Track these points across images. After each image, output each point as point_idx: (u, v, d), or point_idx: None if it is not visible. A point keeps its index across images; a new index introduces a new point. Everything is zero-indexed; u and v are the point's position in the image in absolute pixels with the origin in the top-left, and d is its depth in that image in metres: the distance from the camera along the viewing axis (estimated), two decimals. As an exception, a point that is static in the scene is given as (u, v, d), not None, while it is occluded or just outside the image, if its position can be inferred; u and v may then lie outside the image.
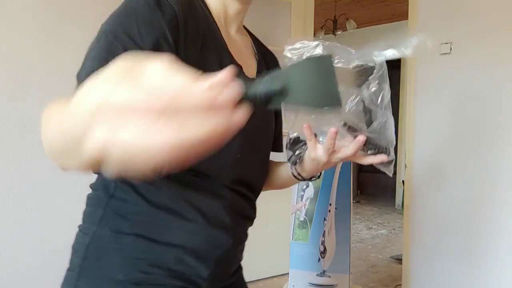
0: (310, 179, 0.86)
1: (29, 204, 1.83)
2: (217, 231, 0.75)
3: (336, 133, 0.68)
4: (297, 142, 0.78)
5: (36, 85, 1.83)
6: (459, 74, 2.46)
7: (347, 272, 2.09)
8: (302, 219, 2.15)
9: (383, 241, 4.70)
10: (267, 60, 0.91)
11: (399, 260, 3.47)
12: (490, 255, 2.35)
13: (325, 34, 5.62)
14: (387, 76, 0.73)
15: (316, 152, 0.72)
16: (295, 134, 0.76)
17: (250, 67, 0.84)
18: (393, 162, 0.75)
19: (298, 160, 0.79)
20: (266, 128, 0.86)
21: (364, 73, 0.71)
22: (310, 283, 2.11)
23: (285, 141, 0.84)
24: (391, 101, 0.73)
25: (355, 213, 5.96)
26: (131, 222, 0.72)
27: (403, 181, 4.36)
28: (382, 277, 3.48)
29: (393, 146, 0.74)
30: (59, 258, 2.01)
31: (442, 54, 2.52)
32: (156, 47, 0.63)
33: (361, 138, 0.68)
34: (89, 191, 0.80)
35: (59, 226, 1.87)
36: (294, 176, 0.84)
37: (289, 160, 0.80)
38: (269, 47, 0.94)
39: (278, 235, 3.05)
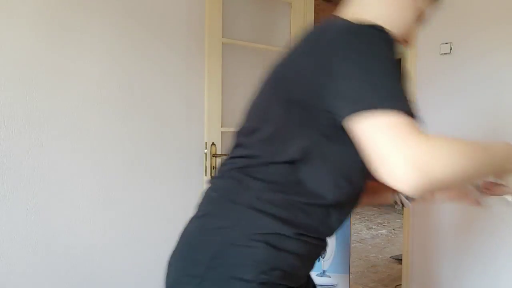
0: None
1: (29, 204, 1.83)
2: (327, 239, 0.88)
3: None
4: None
5: (38, 85, 1.83)
6: (459, 74, 2.46)
7: (347, 272, 2.09)
8: (302, 219, 2.14)
9: (383, 241, 4.70)
10: None
11: (399, 260, 3.47)
12: (490, 254, 2.35)
13: (325, 34, 5.60)
14: None
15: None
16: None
17: None
18: None
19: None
20: None
21: None
22: (310, 283, 2.10)
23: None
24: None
25: (355, 213, 5.95)
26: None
27: (403, 181, 4.35)
28: (382, 277, 3.48)
29: None
30: (59, 259, 2.01)
31: (442, 54, 2.52)
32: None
33: None
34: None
35: (58, 226, 1.87)
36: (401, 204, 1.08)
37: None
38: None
39: (278, 235, 3.05)
